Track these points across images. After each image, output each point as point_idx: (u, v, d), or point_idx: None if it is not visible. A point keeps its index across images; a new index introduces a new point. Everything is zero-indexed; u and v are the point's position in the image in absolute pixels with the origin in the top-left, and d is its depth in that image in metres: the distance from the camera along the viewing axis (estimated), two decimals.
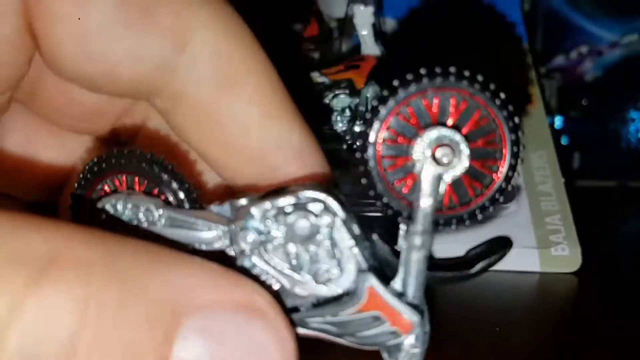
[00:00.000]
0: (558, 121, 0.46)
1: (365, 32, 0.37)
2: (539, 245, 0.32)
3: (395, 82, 0.17)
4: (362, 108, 0.33)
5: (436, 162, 0.17)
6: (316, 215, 0.17)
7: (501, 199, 0.18)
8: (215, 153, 0.21)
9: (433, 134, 0.17)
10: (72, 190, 0.19)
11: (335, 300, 0.18)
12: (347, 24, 0.39)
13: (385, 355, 0.18)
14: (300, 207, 0.17)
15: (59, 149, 0.24)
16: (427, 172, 0.17)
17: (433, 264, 0.18)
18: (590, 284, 0.31)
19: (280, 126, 0.20)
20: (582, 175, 0.44)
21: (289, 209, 0.17)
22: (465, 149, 0.17)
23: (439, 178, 0.17)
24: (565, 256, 0.32)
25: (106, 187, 0.19)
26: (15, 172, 0.23)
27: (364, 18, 0.37)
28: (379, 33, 0.37)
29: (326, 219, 0.17)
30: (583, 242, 0.32)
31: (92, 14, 0.18)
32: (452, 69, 0.17)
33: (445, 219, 0.18)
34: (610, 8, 0.47)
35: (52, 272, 0.13)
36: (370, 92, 0.34)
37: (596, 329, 0.27)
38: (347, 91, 0.34)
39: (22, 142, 0.23)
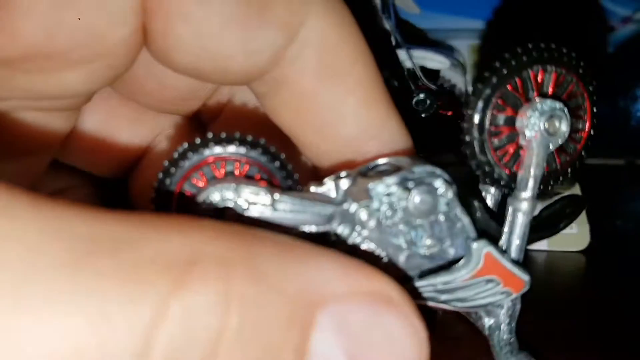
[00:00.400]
0: None
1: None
2: None
3: (507, 54, 0.18)
4: None
5: (546, 133, 0.18)
6: (437, 189, 0.18)
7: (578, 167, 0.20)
8: (310, 138, 0.21)
9: (545, 105, 0.18)
10: (154, 180, 0.18)
11: (446, 268, 0.19)
12: None
13: (483, 315, 0.20)
14: (420, 181, 0.18)
15: (137, 128, 0.24)
16: (538, 142, 0.18)
17: None
18: (598, 262, 0.31)
19: (376, 115, 0.21)
20: (590, 153, 0.44)
21: (410, 184, 0.18)
22: (568, 120, 0.19)
23: (547, 147, 0.19)
24: (574, 234, 0.32)
25: (201, 176, 0.18)
26: (92, 150, 0.24)
27: None
28: (386, 6, 0.37)
29: (448, 193, 0.18)
30: (591, 221, 0.32)
31: (214, 12, 0.18)
32: (553, 45, 0.18)
33: (546, 181, 0.19)
34: None
35: (195, 273, 0.13)
36: None
37: (604, 306, 0.27)
38: None
39: (101, 121, 0.23)
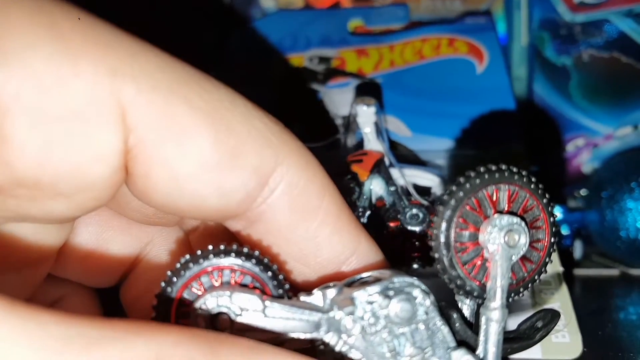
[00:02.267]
0: (557, 212, 0.47)
1: (367, 129, 0.39)
2: None
3: (461, 179, 0.21)
4: (365, 198, 0.35)
5: (507, 245, 0.20)
6: (415, 298, 0.20)
7: (545, 272, 0.22)
8: (291, 265, 0.23)
9: (503, 221, 0.20)
10: (152, 289, 0.20)
11: None
12: (351, 122, 0.41)
13: None
14: (399, 290, 0.20)
15: (127, 238, 0.26)
16: (501, 255, 0.20)
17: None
18: None
19: (349, 239, 0.23)
20: (583, 264, 0.45)
21: (391, 293, 0.20)
22: (527, 232, 0.20)
23: (510, 258, 0.20)
24: (566, 343, 0.32)
25: (200, 285, 0.20)
26: (85, 262, 0.25)
27: (366, 117, 0.39)
28: (380, 130, 0.40)
29: (426, 301, 0.20)
30: (584, 330, 0.33)
31: (190, 158, 0.19)
32: (503, 166, 0.21)
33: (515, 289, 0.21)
34: (603, 103, 0.49)
35: None
36: (372, 184, 0.36)
37: None
38: (352, 184, 0.36)
39: (94, 234, 0.25)
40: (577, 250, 0.46)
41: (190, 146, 0.19)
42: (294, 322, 0.19)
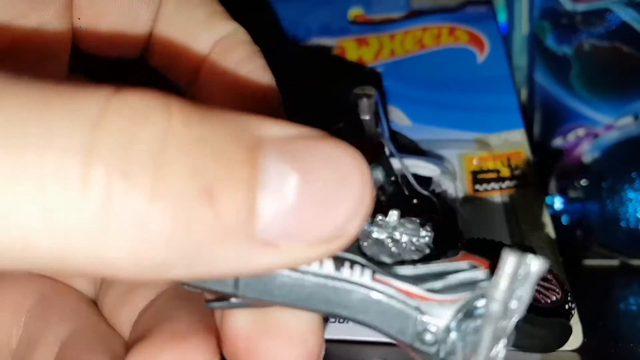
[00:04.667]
0: (558, 202, 0.47)
1: (367, 118, 0.39)
2: None
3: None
4: None
5: None
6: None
7: None
8: None
9: None
10: None
11: None
12: (351, 111, 0.41)
13: None
14: None
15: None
16: None
17: None
18: None
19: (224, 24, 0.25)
20: (584, 254, 0.45)
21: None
22: None
23: None
24: None
25: None
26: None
27: (366, 106, 0.39)
28: (380, 119, 0.39)
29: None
30: (584, 320, 0.33)
31: None
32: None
33: None
34: (604, 92, 0.49)
35: (132, 89, 0.14)
36: (372, 174, 0.36)
37: None
38: None
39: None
40: (577, 240, 0.46)
41: None
42: None
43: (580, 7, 0.47)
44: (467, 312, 0.18)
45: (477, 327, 0.17)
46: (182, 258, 0.14)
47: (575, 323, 0.32)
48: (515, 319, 0.17)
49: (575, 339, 0.32)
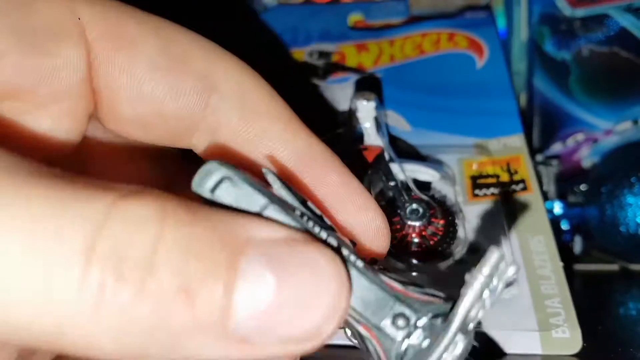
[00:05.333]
0: (557, 207, 0.47)
1: (367, 124, 0.39)
2: (540, 328, 0.33)
3: None
4: None
5: None
6: None
7: None
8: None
9: None
10: None
11: None
12: (351, 117, 0.41)
13: None
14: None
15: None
16: None
17: None
18: None
19: (300, 137, 0.24)
20: (583, 259, 0.45)
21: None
22: None
23: None
24: (566, 338, 0.32)
25: None
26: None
27: (366, 112, 0.39)
28: (380, 125, 0.40)
29: None
30: (583, 325, 0.33)
31: (141, 62, 0.22)
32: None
33: None
34: (603, 98, 0.49)
35: (134, 195, 0.16)
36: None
37: None
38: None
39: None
40: (577, 245, 0.46)
41: (140, 52, 0.22)
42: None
43: (579, 12, 0.47)
44: (439, 315, 0.19)
45: (444, 329, 0.19)
46: (160, 347, 0.16)
47: (575, 328, 0.33)
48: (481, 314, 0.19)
49: (575, 343, 0.32)
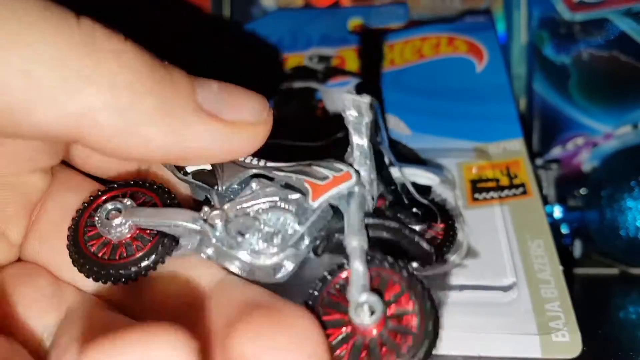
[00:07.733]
0: (557, 210, 0.47)
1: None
2: (540, 332, 0.33)
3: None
4: None
5: None
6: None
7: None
8: None
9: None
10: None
11: None
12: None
13: None
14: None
15: None
16: None
17: None
18: None
19: None
20: (583, 263, 0.45)
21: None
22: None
23: None
24: (566, 342, 0.32)
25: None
26: None
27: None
28: (379, 129, 0.40)
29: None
30: (583, 328, 0.33)
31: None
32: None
33: None
34: (603, 101, 0.49)
35: None
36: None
37: None
38: None
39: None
40: (577, 249, 0.46)
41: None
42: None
43: (579, 16, 0.47)
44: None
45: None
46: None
47: (575, 332, 0.32)
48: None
49: (575, 347, 0.32)
